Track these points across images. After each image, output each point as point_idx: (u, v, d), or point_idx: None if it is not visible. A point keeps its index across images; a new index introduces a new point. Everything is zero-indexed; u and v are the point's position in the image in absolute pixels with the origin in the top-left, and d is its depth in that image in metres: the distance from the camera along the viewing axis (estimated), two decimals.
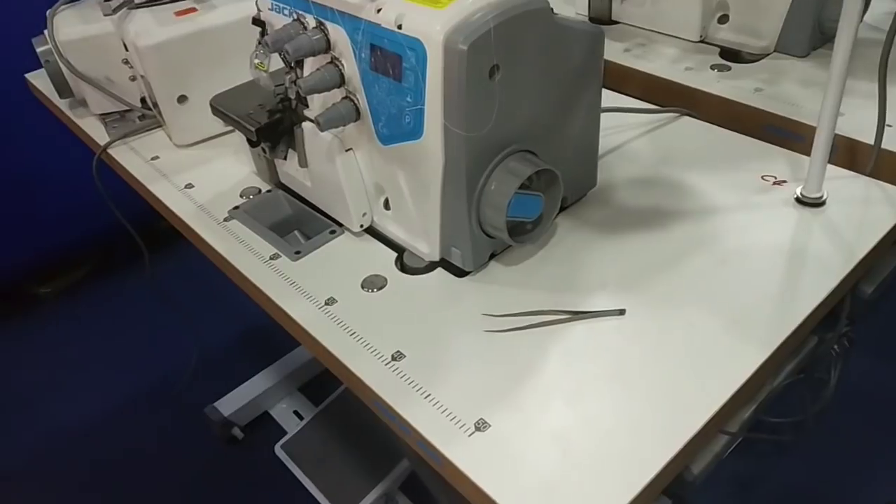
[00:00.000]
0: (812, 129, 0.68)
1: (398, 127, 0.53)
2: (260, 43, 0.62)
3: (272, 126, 0.65)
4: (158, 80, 0.77)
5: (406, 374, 0.51)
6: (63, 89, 0.89)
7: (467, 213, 0.54)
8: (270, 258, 0.64)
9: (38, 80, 1.02)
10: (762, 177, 0.66)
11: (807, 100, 0.74)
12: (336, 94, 0.58)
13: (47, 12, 0.87)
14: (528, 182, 0.54)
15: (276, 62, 0.62)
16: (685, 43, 0.89)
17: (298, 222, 0.71)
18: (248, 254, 0.64)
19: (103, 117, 0.89)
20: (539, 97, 0.55)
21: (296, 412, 1.42)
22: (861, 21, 0.54)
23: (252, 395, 1.41)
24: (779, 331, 0.50)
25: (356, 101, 0.56)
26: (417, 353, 0.52)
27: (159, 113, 0.82)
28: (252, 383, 1.44)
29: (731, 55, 0.86)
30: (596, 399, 0.47)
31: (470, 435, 0.46)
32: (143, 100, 0.88)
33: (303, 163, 0.65)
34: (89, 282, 1.88)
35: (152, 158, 0.81)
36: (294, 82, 0.62)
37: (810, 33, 0.81)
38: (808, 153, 0.62)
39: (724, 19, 0.88)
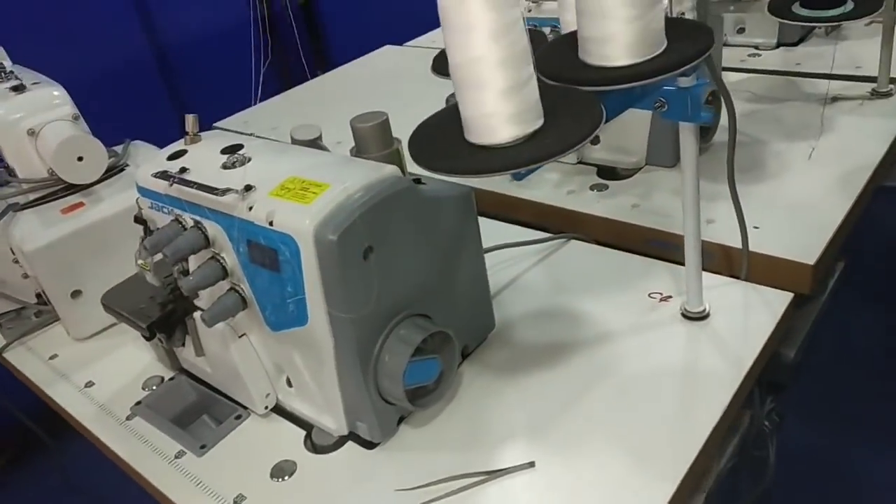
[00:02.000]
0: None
1: (284, 315, 0.54)
2: (142, 243, 0.62)
3: (165, 318, 0.64)
4: (49, 279, 0.76)
5: None
6: None
7: (365, 387, 0.54)
8: (175, 456, 0.61)
9: None
10: (649, 294, 0.69)
11: (680, 210, 0.79)
12: (222, 286, 0.58)
13: None
14: (422, 345, 0.55)
15: (157, 256, 0.63)
16: (565, 166, 0.95)
17: (205, 407, 0.69)
18: (151, 455, 0.62)
19: None
20: (419, 264, 0.56)
21: None
22: (702, 143, 0.59)
23: None
24: (681, 460, 0.51)
25: (241, 292, 0.57)
26: None
27: (54, 309, 0.80)
28: None
29: (608, 173, 0.91)
30: None
31: None
32: (38, 295, 0.86)
33: (199, 352, 0.64)
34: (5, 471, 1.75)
35: (50, 357, 0.78)
36: (182, 273, 0.62)
37: (674, 145, 0.88)
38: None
39: (595, 141, 0.94)
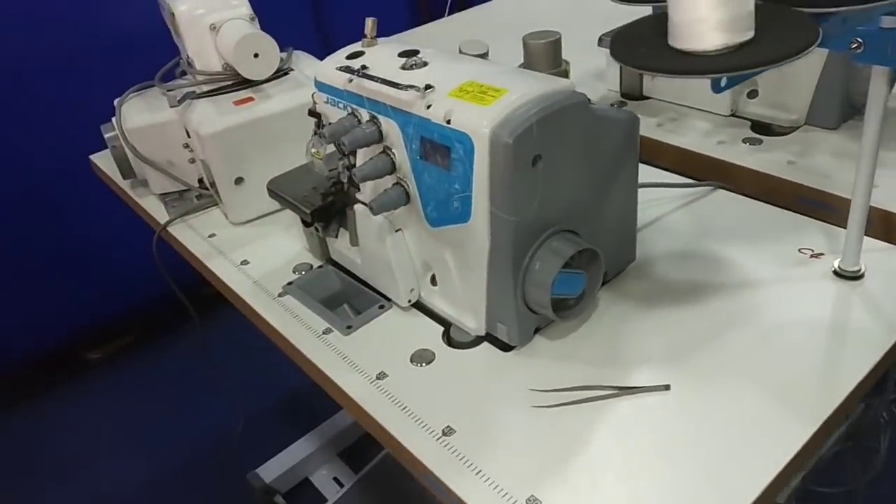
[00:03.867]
0: (846, 201, 0.69)
1: (446, 211, 0.57)
2: (316, 133, 0.67)
3: (326, 208, 0.69)
4: (218, 164, 0.83)
5: (457, 450, 0.52)
6: (126, 171, 0.95)
7: (513, 291, 0.57)
8: (323, 333, 0.67)
9: (102, 160, 1.09)
10: (799, 250, 0.68)
11: (840, 171, 0.76)
12: (387, 180, 0.62)
13: (115, 101, 0.94)
14: (570, 260, 0.57)
15: (328, 148, 0.67)
16: (716, 117, 0.92)
17: (348, 296, 0.75)
18: (301, 328, 0.68)
19: (163, 197, 0.95)
20: (579, 181, 0.58)
21: (335, 479, 1.43)
22: (890, 93, 0.56)
23: (293, 462, 1.42)
24: (824, 405, 0.51)
25: (406, 187, 0.60)
26: (467, 428, 0.54)
27: (216, 193, 0.88)
28: (293, 449, 1.45)
29: (762, 128, 0.88)
30: (646, 475, 0.48)
31: None
32: (200, 180, 0.94)
33: (354, 242, 0.68)
34: (136, 348, 1.95)
35: (209, 236, 0.86)
36: (347, 168, 0.66)
37: (839, 106, 0.84)
38: (842, 225, 0.64)
39: (753, 94, 0.91)
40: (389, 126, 0.59)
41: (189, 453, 1.57)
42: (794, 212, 0.74)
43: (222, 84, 0.87)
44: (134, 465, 1.56)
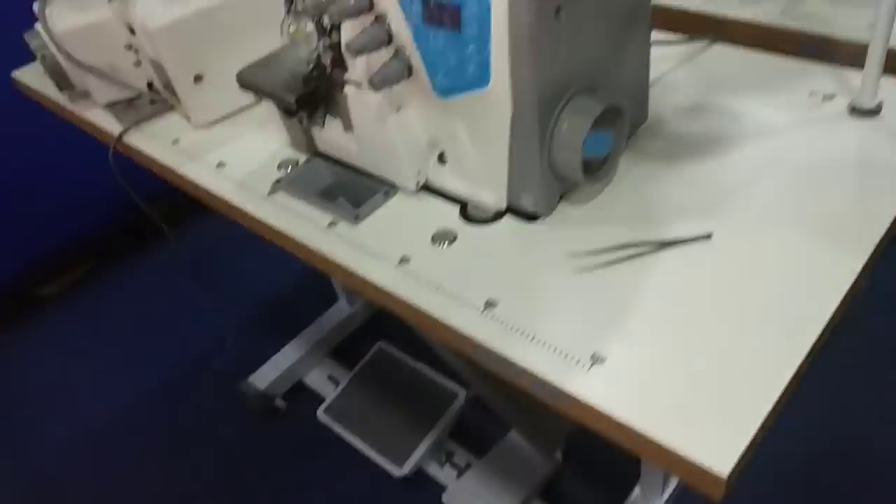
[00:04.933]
0: (847, 43, 0.68)
1: (459, 78, 0.52)
2: (290, 11, 0.59)
3: (310, 94, 0.62)
4: (172, 61, 0.74)
5: (504, 321, 0.49)
6: (63, 82, 0.85)
7: (539, 157, 0.53)
8: (329, 226, 0.61)
9: (28, 76, 0.97)
10: (810, 93, 0.66)
11: (836, 15, 0.74)
12: (382, 54, 0.56)
13: (35, 5, 0.82)
14: (595, 120, 0.53)
15: (308, 26, 0.60)
16: None
17: (342, 189, 0.69)
18: (304, 224, 0.62)
19: (110, 107, 0.85)
20: (597, 35, 0.53)
21: (330, 377, 1.41)
22: None
23: (284, 366, 1.39)
24: (871, 233, 0.50)
25: (406, 58, 0.54)
26: (510, 299, 0.51)
27: (173, 94, 0.79)
28: (283, 354, 1.42)
29: None
30: (704, 322, 0.47)
31: (588, 369, 0.45)
32: (150, 84, 0.85)
33: (348, 127, 0.62)
34: (93, 277, 1.83)
35: (173, 142, 0.78)
36: (330, 47, 0.59)
37: None
38: (846, 65, 0.63)
39: None
40: None
41: (174, 373, 1.51)
42: (797, 59, 0.72)
43: None
44: (114, 395, 1.49)
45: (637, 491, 1.10)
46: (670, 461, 0.40)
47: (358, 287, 0.57)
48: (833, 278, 0.48)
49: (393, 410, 1.27)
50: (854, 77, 0.67)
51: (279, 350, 1.43)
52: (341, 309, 1.50)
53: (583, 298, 0.50)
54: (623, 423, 0.42)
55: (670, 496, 1.09)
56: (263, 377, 1.38)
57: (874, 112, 0.61)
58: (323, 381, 1.41)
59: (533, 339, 0.48)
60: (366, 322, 1.53)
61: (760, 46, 0.75)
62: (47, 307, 1.77)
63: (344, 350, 1.48)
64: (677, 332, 0.46)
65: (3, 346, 1.68)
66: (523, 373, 0.46)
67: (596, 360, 0.45)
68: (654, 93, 0.70)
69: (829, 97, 0.65)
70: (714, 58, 0.75)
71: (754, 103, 0.66)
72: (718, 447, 0.39)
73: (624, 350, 0.46)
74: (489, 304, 0.51)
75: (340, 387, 1.33)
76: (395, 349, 1.37)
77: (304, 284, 1.66)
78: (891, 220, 0.51)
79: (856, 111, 0.62)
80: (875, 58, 0.60)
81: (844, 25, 0.71)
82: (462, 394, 1.26)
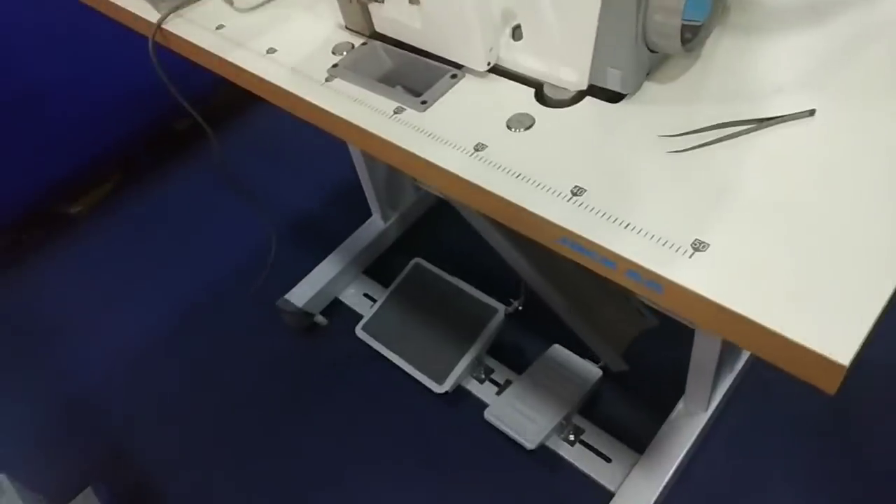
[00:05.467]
0: None
1: None
2: None
3: None
4: None
5: (594, 208, 0.47)
6: None
7: (634, 23, 0.48)
8: (394, 112, 0.58)
9: None
10: None
11: None
12: None
13: None
14: None
15: None
16: None
17: (401, 75, 0.65)
18: (369, 111, 0.59)
19: None
20: None
21: (366, 295, 1.42)
22: None
23: (320, 284, 1.39)
24: None
25: None
26: (599, 185, 0.48)
27: None
28: (319, 271, 1.42)
29: None
30: (814, 204, 0.44)
31: (690, 256, 0.43)
32: None
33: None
34: (123, 191, 1.83)
35: (217, 27, 0.73)
36: None
37: None
38: None
39: None
40: None
41: (212, 289, 1.52)
42: None
43: None
44: (151, 313, 1.52)
45: (681, 405, 1.11)
46: (787, 351, 0.38)
47: (431, 177, 0.54)
48: None
49: (431, 327, 1.26)
50: None
51: (316, 266, 1.42)
52: (375, 224, 1.48)
53: (679, 182, 0.47)
54: (735, 312, 0.40)
55: (714, 409, 1.10)
56: (301, 295, 1.38)
57: None
58: (359, 298, 1.41)
59: (627, 226, 0.45)
60: (400, 238, 1.51)
61: None
62: (80, 223, 1.77)
63: (380, 267, 1.46)
64: (783, 217, 0.44)
65: (38, 264, 1.70)
66: (618, 261, 0.44)
67: (698, 246, 0.43)
68: None
69: None
70: None
71: None
72: (838, 335, 0.37)
73: (727, 236, 0.43)
74: (576, 192, 0.48)
75: (378, 304, 1.32)
76: (431, 265, 1.35)
77: (338, 199, 1.63)
78: None
79: None
80: None
81: None
82: (501, 309, 1.24)
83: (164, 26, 0.76)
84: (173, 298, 1.52)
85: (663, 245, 0.44)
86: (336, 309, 1.41)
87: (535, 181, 0.50)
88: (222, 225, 1.65)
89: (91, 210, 1.80)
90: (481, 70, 0.58)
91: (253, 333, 1.42)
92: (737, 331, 0.40)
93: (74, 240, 1.74)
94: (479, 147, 0.53)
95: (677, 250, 0.43)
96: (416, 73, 0.63)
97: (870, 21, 0.55)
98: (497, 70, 0.59)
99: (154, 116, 1.76)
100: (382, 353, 1.26)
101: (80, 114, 1.62)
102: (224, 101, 1.77)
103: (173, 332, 1.47)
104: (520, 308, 1.28)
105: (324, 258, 1.44)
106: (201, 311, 1.49)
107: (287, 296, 1.39)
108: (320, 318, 1.37)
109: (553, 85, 0.56)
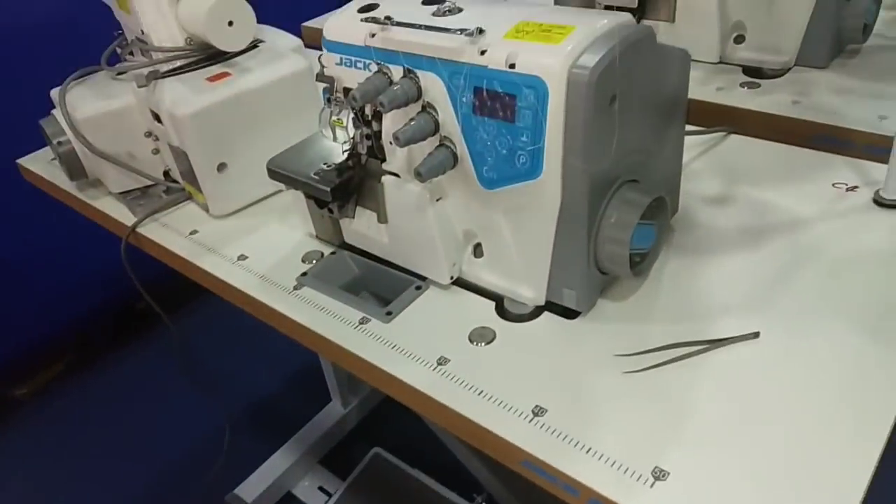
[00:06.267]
0: (862, 134, 0.70)
1: (509, 169, 0.51)
2: (331, 99, 0.59)
3: (345, 184, 0.62)
4: (198, 149, 0.73)
5: (555, 429, 0.47)
6: (76, 171, 0.83)
7: (585, 251, 0.52)
8: (360, 322, 0.60)
9: (34, 164, 0.96)
10: (833, 185, 0.67)
11: (846, 107, 0.76)
12: (422, 145, 0.55)
13: (53, 92, 0.82)
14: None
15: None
16: (705, 65, 0.91)
17: (368, 282, 0.68)
18: (334, 321, 0.60)
19: (123, 196, 0.84)
20: (642, 123, 0.54)
21: (321, 488, 1.34)
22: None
23: (273, 477, 1.32)
24: None
25: (452, 147, 0.54)
26: (559, 405, 0.49)
27: (192, 183, 0.78)
28: (270, 464, 1.36)
29: (754, 72, 0.88)
30: (769, 426, 0.45)
31: (651, 486, 0.43)
32: (166, 173, 0.84)
33: (382, 218, 0.62)
34: (70, 374, 1.76)
35: (191, 233, 0.76)
36: (367, 137, 0.59)
37: (830, 45, 0.84)
38: (864, 157, 0.65)
39: (739, 39, 0.90)
40: (430, 80, 0.53)
41: (160, 479, 1.43)
42: (813, 149, 0.73)
43: (187, 61, 0.77)
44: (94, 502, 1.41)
45: None
46: None
47: (394, 391, 0.55)
48: (891, 375, 0.47)
49: None
50: (872, 168, 0.68)
51: (270, 453, 1.37)
52: (335, 409, 1.45)
53: (635, 404, 0.48)
54: None
55: None
56: (251, 490, 1.31)
57: None
58: (313, 492, 1.34)
59: (588, 450, 0.45)
60: (360, 423, 1.48)
61: (776, 137, 0.76)
62: (24, 406, 1.69)
63: (337, 455, 1.41)
64: (739, 441, 0.44)
65: None
66: (579, 489, 0.44)
67: (658, 475, 0.43)
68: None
69: (851, 188, 0.66)
70: (732, 149, 0.76)
71: (780, 195, 0.67)
72: None
73: (686, 461, 0.44)
74: (537, 412, 0.49)
75: (333, 499, 1.26)
76: (392, 456, 1.31)
77: (297, 382, 1.61)
78: None
79: (881, 203, 0.63)
80: None
81: (855, 118, 0.73)
82: None
83: (137, 229, 0.78)
84: (119, 493, 1.42)
85: (624, 473, 0.44)
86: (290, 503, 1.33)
87: (496, 399, 0.50)
88: (177, 410, 1.58)
89: (38, 392, 1.73)
90: (445, 283, 0.61)
91: None
92: None
93: (13, 426, 1.64)
94: (441, 361, 0.54)
95: (638, 479, 0.43)
96: (382, 281, 0.66)
97: (797, 245, 0.60)
98: (460, 283, 0.62)
99: (113, 296, 1.76)
100: None
101: (36, 293, 1.61)
102: (190, 279, 1.78)
103: None
104: None
105: (280, 445, 1.38)
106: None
107: (237, 490, 1.31)
108: None
109: (511, 300, 0.59)
